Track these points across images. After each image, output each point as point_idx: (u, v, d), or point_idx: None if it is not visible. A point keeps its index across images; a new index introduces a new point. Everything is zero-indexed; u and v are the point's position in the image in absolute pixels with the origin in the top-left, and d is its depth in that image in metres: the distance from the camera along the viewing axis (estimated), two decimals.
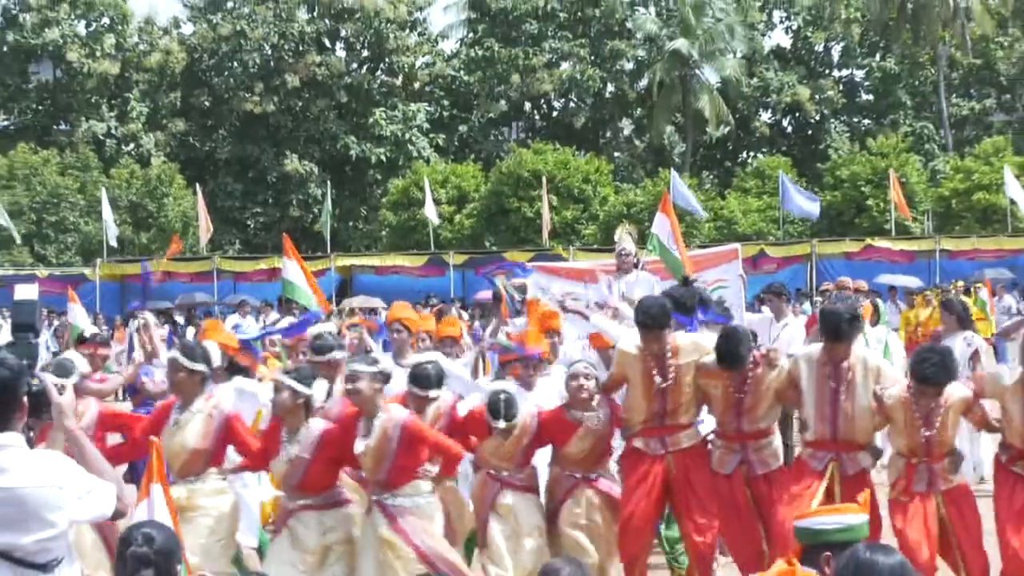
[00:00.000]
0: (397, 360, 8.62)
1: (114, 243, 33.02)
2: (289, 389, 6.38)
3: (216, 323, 8.48)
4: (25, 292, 9.71)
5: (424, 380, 6.85)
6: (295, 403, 6.39)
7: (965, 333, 10.98)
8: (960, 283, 21.96)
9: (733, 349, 6.53)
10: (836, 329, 6.42)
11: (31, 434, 6.43)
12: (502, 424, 6.66)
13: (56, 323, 21.36)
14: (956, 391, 6.37)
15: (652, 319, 6.68)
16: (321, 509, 6.44)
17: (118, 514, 3.98)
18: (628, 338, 6.97)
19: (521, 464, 6.92)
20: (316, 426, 6.46)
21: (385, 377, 6.52)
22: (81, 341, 9.32)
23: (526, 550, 6.71)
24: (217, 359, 6.96)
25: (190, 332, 21.42)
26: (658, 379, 6.73)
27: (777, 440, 7.17)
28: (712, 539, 6.76)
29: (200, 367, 6.62)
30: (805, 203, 31.10)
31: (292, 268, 11.95)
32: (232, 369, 7.84)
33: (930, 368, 6.17)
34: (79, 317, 12.65)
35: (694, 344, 6.89)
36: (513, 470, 6.89)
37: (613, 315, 8.25)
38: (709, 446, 6.97)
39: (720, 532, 6.87)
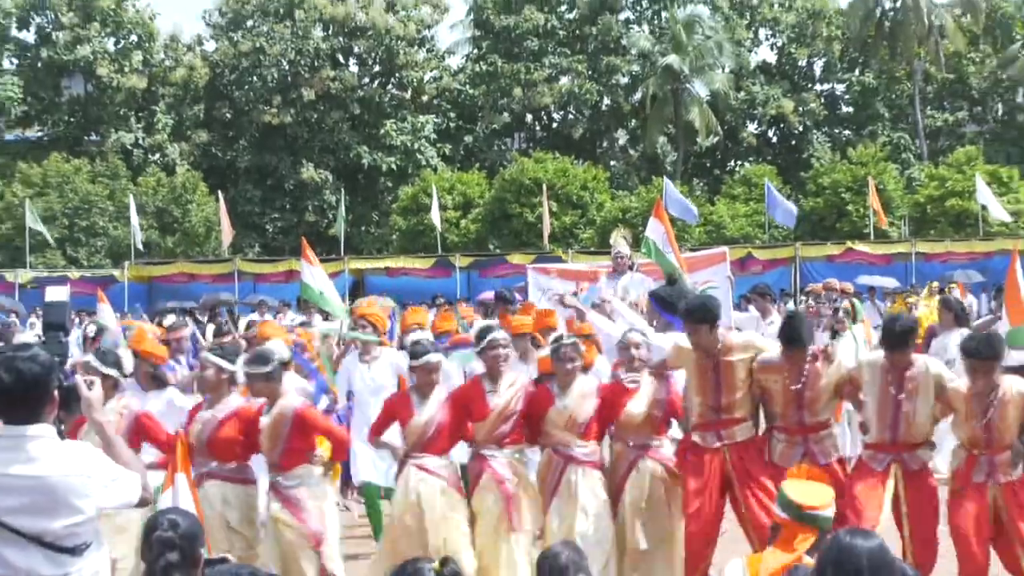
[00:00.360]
0: (362, 356, 8.58)
1: (141, 247, 33.08)
2: (214, 366, 6.60)
3: (143, 333, 8.36)
4: (56, 294, 9.69)
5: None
6: (219, 378, 6.60)
7: (962, 330, 10.88)
8: (935, 284, 21.90)
9: (797, 327, 6.45)
10: (894, 339, 6.34)
11: (62, 427, 6.43)
12: (567, 338, 6.76)
13: (86, 322, 21.29)
14: (1016, 385, 6.23)
15: (688, 314, 6.63)
16: (225, 479, 6.53)
17: (143, 502, 3.99)
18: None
19: (586, 435, 6.75)
20: (235, 401, 6.66)
21: (282, 366, 6.61)
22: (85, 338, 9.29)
23: (586, 528, 6.52)
24: (129, 366, 7.00)
25: (210, 329, 21.41)
26: (710, 374, 6.58)
27: (836, 431, 6.96)
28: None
29: (112, 372, 6.67)
30: (785, 210, 31.17)
31: (309, 272, 11.60)
32: (159, 379, 7.76)
33: (972, 341, 6.18)
34: (107, 316, 12.60)
35: (746, 343, 6.76)
36: (578, 443, 6.72)
37: (608, 312, 8.23)
38: (772, 441, 6.73)
39: None
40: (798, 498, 4.50)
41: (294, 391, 6.85)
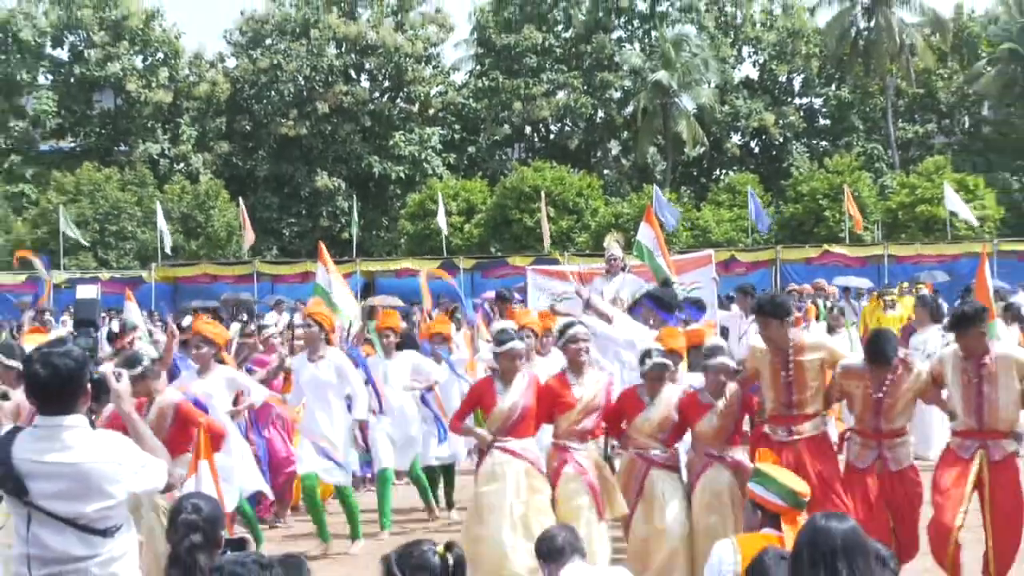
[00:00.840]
0: (310, 356, 8.32)
1: (168, 250, 33.08)
2: None
3: (39, 330, 8.26)
4: (86, 292, 9.68)
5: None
6: None
7: (938, 326, 10.81)
8: (905, 284, 21.92)
9: (882, 347, 6.23)
10: (959, 323, 6.22)
11: (93, 417, 6.46)
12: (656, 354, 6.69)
13: (112, 321, 21.22)
14: None
15: (759, 308, 6.55)
16: None
17: (168, 487, 3.99)
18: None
19: (666, 441, 6.69)
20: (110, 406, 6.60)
21: (156, 365, 6.68)
22: (111, 337, 9.24)
23: (667, 524, 6.47)
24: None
25: (234, 327, 21.40)
26: (782, 372, 6.41)
27: (911, 439, 6.73)
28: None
29: (15, 364, 6.62)
30: (762, 218, 31.53)
31: (323, 274, 11.40)
32: None
33: None
34: (133, 314, 12.52)
35: (818, 343, 6.63)
36: (659, 448, 6.67)
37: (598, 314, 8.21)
38: (849, 442, 6.57)
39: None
40: (796, 487, 4.54)
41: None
